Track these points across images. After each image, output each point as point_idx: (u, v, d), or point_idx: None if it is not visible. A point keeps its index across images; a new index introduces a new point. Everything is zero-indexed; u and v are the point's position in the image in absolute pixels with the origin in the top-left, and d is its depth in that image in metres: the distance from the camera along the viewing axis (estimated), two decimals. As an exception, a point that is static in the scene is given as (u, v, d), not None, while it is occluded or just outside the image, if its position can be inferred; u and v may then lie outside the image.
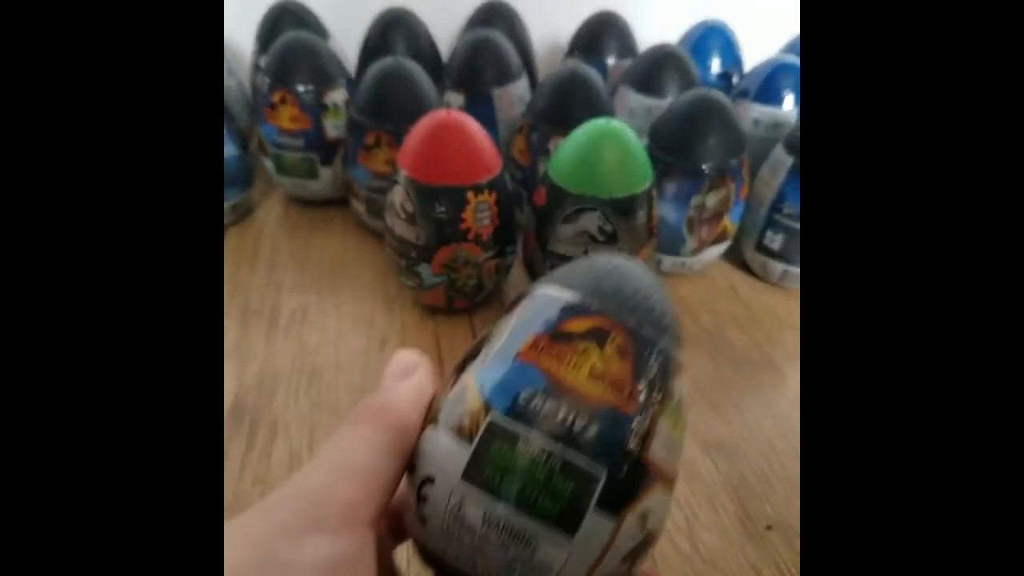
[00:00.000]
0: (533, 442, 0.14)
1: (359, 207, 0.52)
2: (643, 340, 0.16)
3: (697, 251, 0.48)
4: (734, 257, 0.53)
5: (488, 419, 0.15)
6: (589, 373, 0.15)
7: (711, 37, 0.63)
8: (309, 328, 0.44)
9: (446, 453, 0.15)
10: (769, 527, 0.33)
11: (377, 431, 0.16)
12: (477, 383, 0.15)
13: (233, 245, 0.52)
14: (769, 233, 0.49)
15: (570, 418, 0.14)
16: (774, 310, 0.49)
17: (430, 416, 0.16)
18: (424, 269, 0.42)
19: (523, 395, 0.15)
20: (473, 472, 0.14)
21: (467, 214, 0.41)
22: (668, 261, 0.49)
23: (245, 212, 0.56)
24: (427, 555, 0.16)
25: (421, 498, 0.15)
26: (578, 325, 0.16)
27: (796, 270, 0.49)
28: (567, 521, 0.14)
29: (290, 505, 0.14)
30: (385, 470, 0.15)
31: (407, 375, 0.17)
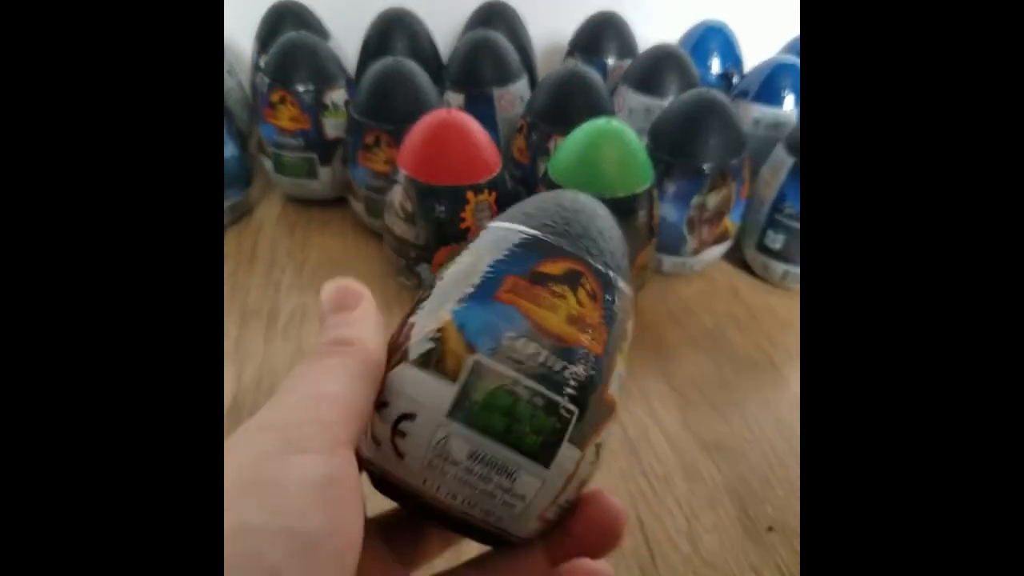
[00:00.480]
0: (518, 382, 0.15)
1: (358, 207, 0.52)
2: (608, 282, 0.17)
3: (698, 251, 0.48)
4: (735, 257, 0.53)
5: (474, 359, 0.15)
6: (566, 317, 0.16)
7: (711, 37, 0.63)
8: (308, 328, 0.44)
9: (427, 391, 0.15)
10: (770, 528, 0.33)
11: (345, 361, 0.15)
12: (456, 322, 0.16)
13: (232, 245, 0.52)
14: (770, 233, 0.48)
15: (550, 360, 0.15)
16: (775, 311, 0.48)
17: (399, 352, 0.16)
18: (424, 269, 0.42)
19: (506, 337, 0.15)
20: (459, 410, 0.15)
21: (467, 214, 0.41)
22: (669, 261, 0.49)
23: (244, 212, 0.55)
24: (396, 487, 0.16)
25: (398, 433, 0.15)
26: (553, 267, 0.16)
27: (797, 270, 0.49)
28: (545, 454, 0.15)
29: (268, 431, 0.14)
30: (358, 396, 0.15)
31: (350, 305, 0.17)
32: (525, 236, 0.17)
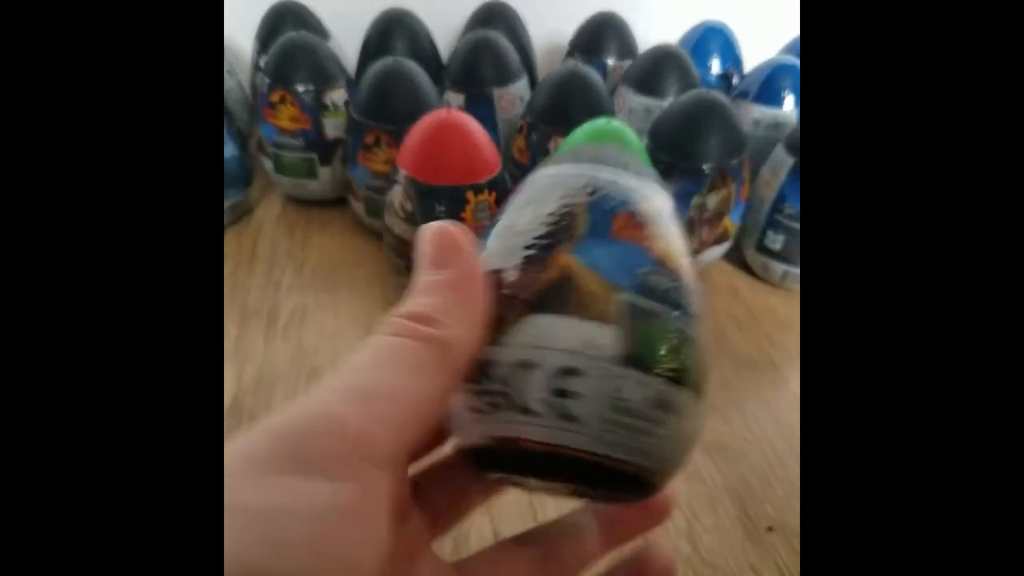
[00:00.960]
0: (665, 316, 0.14)
1: (358, 207, 0.52)
2: (671, 215, 0.17)
3: (698, 251, 0.48)
4: (735, 258, 0.53)
5: (622, 298, 0.14)
6: (675, 250, 0.16)
7: (711, 38, 0.63)
8: (308, 328, 0.44)
9: (588, 341, 0.14)
10: (770, 529, 0.33)
11: (413, 346, 0.12)
12: (583, 262, 0.14)
13: (232, 245, 0.52)
14: (770, 234, 0.48)
15: (679, 293, 0.15)
16: (775, 311, 0.48)
17: (518, 304, 0.14)
18: (423, 269, 0.42)
19: (641, 272, 0.15)
20: (626, 354, 0.14)
21: (467, 214, 0.41)
22: (668, 262, 0.49)
23: (244, 212, 0.55)
24: (559, 458, 0.14)
25: (565, 394, 0.14)
26: (645, 207, 0.16)
27: (797, 271, 0.49)
28: (700, 385, 0.15)
29: (268, 436, 0.11)
30: (420, 392, 0.12)
31: (445, 263, 0.14)
32: (610, 178, 0.16)
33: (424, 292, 0.13)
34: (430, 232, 0.14)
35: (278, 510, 0.10)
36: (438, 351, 0.13)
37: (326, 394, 0.12)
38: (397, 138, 0.45)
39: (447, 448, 0.17)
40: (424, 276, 0.14)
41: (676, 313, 0.15)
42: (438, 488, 0.17)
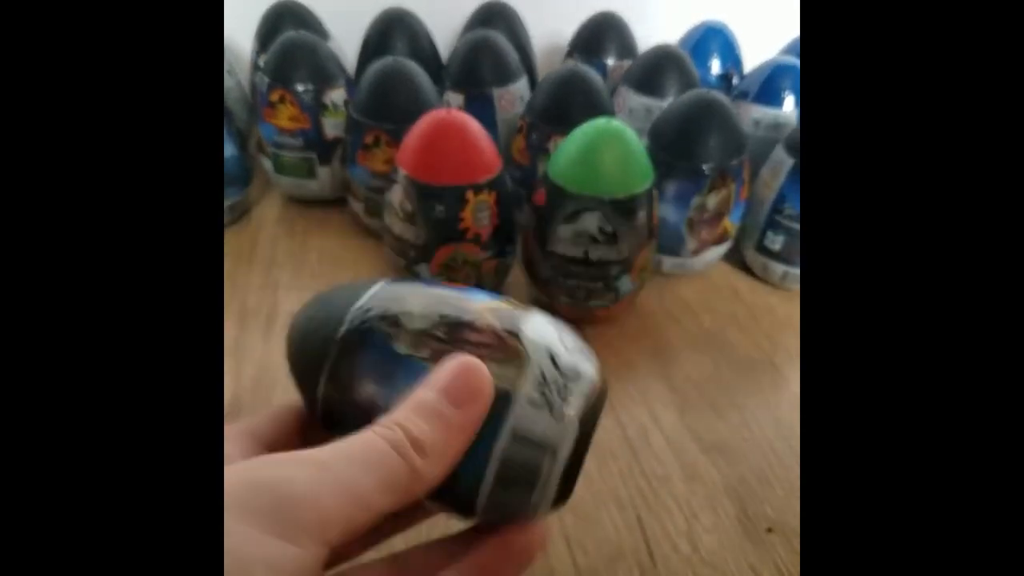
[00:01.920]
0: None
1: (357, 207, 0.52)
2: None
3: (698, 252, 0.48)
4: (735, 258, 0.53)
5: None
6: None
7: (711, 38, 0.63)
8: (307, 328, 0.44)
9: None
10: (770, 529, 0.33)
11: (397, 463, 0.14)
12: None
13: (231, 244, 0.52)
14: (769, 234, 0.48)
15: None
16: (775, 311, 0.48)
17: None
18: (423, 269, 0.42)
19: None
20: None
21: (466, 214, 0.41)
22: (669, 262, 0.49)
23: (243, 211, 0.55)
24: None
25: None
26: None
27: (797, 271, 0.48)
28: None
29: (264, 490, 0.13)
30: (384, 507, 0.14)
31: (463, 403, 0.15)
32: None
33: (431, 418, 0.15)
34: (464, 366, 0.16)
35: (253, 560, 0.12)
36: (414, 481, 0.14)
37: (318, 472, 0.14)
38: (397, 138, 0.45)
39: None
40: (438, 400, 0.15)
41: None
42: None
